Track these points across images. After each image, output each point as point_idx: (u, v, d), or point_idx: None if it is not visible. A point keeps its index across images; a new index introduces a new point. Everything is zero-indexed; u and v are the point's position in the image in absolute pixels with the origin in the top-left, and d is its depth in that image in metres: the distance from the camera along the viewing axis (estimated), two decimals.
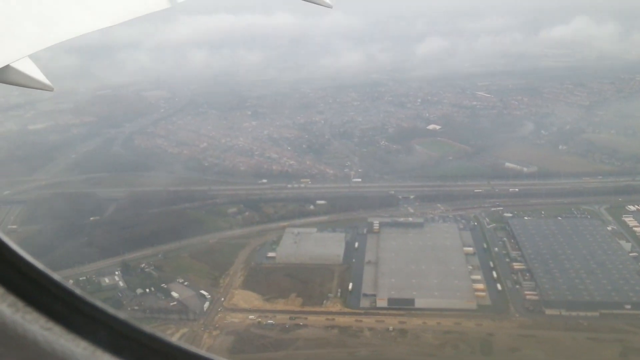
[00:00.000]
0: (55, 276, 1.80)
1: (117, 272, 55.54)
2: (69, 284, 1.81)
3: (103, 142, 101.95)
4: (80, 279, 54.45)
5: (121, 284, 53.71)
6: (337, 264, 55.80)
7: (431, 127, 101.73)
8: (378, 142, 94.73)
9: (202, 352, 1.89)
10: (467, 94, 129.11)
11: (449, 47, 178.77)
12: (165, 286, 53.00)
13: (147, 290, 52.49)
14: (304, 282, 52.69)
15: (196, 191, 75.78)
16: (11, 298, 1.67)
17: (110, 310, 1.79)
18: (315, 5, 7.84)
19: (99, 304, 1.79)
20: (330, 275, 53.89)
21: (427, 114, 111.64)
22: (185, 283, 53.52)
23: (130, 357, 1.73)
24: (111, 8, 5.58)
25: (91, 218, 68.71)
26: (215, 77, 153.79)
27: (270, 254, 57.92)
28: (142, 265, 56.94)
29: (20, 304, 1.66)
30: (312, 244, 58.43)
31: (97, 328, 1.74)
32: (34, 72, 4.81)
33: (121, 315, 1.77)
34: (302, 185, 76.60)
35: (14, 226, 67.54)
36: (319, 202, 70.58)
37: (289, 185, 76.53)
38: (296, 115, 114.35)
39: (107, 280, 54.22)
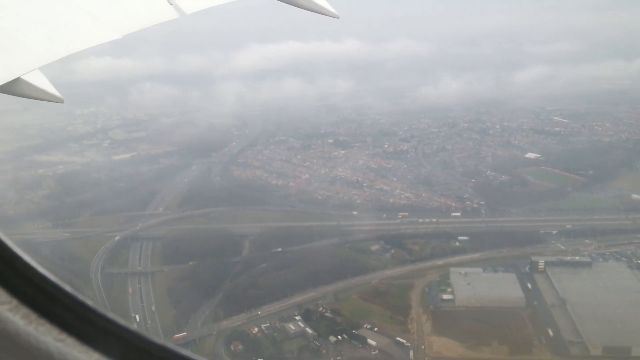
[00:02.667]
0: (68, 288, 1.82)
1: (297, 317, 54.66)
2: (81, 295, 1.84)
3: (200, 174, 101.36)
4: (263, 325, 53.66)
5: (308, 330, 52.78)
6: (520, 306, 54.89)
7: (530, 155, 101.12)
8: (483, 172, 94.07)
9: None
10: (542, 119, 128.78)
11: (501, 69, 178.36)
12: (356, 332, 52.10)
13: (340, 337, 51.53)
14: (496, 327, 51.75)
15: (327, 227, 75.01)
16: (24, 310, 1.69)
17: (122, 322, 1.82)
18: (324, 16, 7.77)
19: (111, 315, 1.81)
20: (520, 319, 52.96)
21: (516, 141, 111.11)
22: (375, 329, 52.58)
23: None
24: (119, 20, 5.62)
25: (234, 257, 67.91)
26: (276, 103, 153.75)
27: (446, 297, 57.05)
28: (320, 309, 56.04)
29: (33, 316, 1.69)
30: (486, 286, 57.56)
31: (109, 339, 1.76)
32: (44, 84, 4.95)
33: (132, 327, 1.80)
34: (433, 220, 75.66)
35: (158, 267, 66.93)
36: (460, 237, 69.79)
37: (420, 220, 75.61)
38: (381, 144, 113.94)
39: (292, 327, 53.29)
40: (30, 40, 4.80)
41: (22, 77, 4.46)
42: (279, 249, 67.15)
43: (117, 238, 73.99)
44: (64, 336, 1.70)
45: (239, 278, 62.49)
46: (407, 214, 77.72)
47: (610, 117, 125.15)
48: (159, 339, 1.80)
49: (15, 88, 4.53)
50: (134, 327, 1.77)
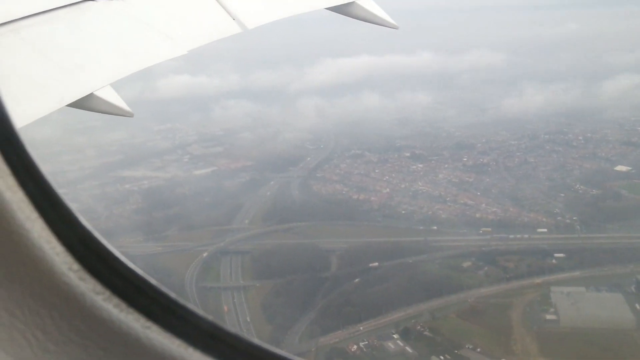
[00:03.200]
0: (153, 280, 1.99)
1: (394, 335, 54.00)
2: (165, 288, 2.01)
3: (280, 188, 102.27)
4: (362, 343, 53.32)
5: (408, 349, 52.04)
6: (631, 328, 52.44)
7: (620, 168, 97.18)
8: (572, 186, 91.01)
9: (288, 354, 2.07)
10: (627, 129, 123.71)
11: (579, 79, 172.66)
12: (458, 352, 50.98)
13: (443, 357, 50.56)
14: (607, 349, 49.55)
15: (414, 242, 74.10)
16: (116, 300, 1.86)
17: (200, 312, 1.97)
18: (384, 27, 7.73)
19: (191, 306, 1.97)
20: (632, 342, 50.56)
21: (602, 154, 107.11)
22: (478, 349, 51.31)
23: (217, 355, 1.90)
24: (184, 36, 5.71)
25: (325, 273, 67.92)
26: (349, 117, 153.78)
27: (549, 317, 55.12)
28: (418, 327, 55.21)
29: (123, 305, 1.86)
30: (591, 306, 55.34)
31: (189, 328, 1.92)
32: (116, 99, 5.10)
33: (209, 317, 1.95)
34: (525, 235, 73.55)
35: (250, 282, 67.69)
36: (557, 255, 67.49)
37: (511, 236, 73.63)
38: (459, 157, 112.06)
39: (391, 345, 52.68)
40: (102, 57, 5.04)
41: (95, 92, 4.64)
42: (376, 264, 66.60)
43: (205, 254, 75.24)
44: (150, 324, 1.86)
45: (332, 294, 62.44)
46: (490, 229, 75.98)
47: None
48: (232, 328, 1.96)
49: (88, 103, 4.71)
50: (209, 317, 1.95)
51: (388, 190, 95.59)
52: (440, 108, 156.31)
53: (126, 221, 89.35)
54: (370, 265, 67.21)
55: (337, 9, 7.59)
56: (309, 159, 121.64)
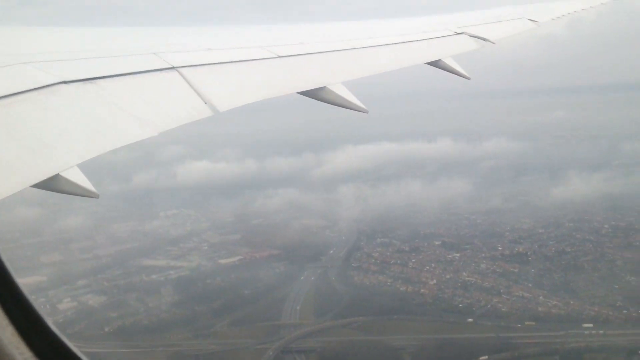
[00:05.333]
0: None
1: None
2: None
3: (318, 280, 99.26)
4: None
5: None
6: None
7: None
8: (622, 277, 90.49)
9: None
10: None
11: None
12: None
13: None
14: None
15: (487, 339, 71.76)
16: None
17: None
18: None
19: None
20: None
21: (637, 242, 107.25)
22: None
23: None
24: (155, 117, 5.84)
25: None
26: (362, 204, 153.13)
27: None
28: None
29: None
30: None
31: None
32: (82, 180, 5.28)
33: None
34: (600, 331, 71.60)
35: None
36: None
37: (586, 332, 71.66)
38: (492, 246, 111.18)
39: None
40: (70, 138, 5.00)
41: (61, 173, 4.72)
42: None
43: (271, 353, 71.06)
44: None
45: None
46: (560, 324, 73.89)
47: None
48: None
49: (53, 184, 4.78)
50: None
51: (435, 281, 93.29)
52: (452, 194, 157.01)
53: (167, 315, 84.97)
54: None
55: (308, 94, 7.75)
56: (334, 248, 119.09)
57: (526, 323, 76.89)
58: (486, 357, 66.29)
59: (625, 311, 77.48)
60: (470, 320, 77.94)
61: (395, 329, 75.78)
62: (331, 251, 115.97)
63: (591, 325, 74.05)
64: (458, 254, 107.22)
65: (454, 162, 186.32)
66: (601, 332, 71.39)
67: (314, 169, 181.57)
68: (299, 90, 7.79)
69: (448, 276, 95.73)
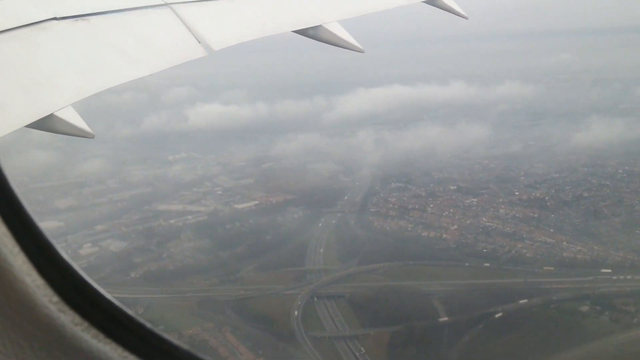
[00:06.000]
0: (130, 312, 2.06)
1: None
2: (141, 318, 2.07)
3: (337, 225, 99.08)
4: None
5: None
6: None
7: None
8: None
9: None
10: None
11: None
12: None
13: None
14: None
15: (515, 284, 71.97)
16: (94, 331, 1.94)
17: (175, 341, 2.05)
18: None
19: (166, 336, 2.05)
20: None
21: None
22: None
23: None
24: (149, 57, 5.76)
25: (440, 319, 64.94)
26: (374, 148, 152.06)
27: None
28: None
29: (101, 336, 1.94)
30: None
31: (165, 358, 2.00)
32: (77, 120, 5.23)
33: (184, 345, 2.02)
34: (628, 277, 72.04)
35: (362, 330, 64.16)
36: None
37: (614, 277, 72.08)
38: (509, 191, 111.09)
39: None
40: (63, 77, 4.90)
41: (55, 113, 4.63)
42: (500, 313, 63.93)
43: (299, 300, 71.33)
44: (127, 354, 1.94)
45: (458, 343, 59.38)
46: (590, 270, 74.39)
47: None
48: (209, 357, 1.98)
49: (48, 124, 4.71)
50: (184, 345, 2.01)
51: (456, 227, 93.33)
52: (462, 139, 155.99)
53: (191, 261, 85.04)
54: (490, 311, 64.27)
55: (303, 32, 7.65)
56: (349, 193, 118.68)
57: (544, 268, 77.22)
58: (526, 300, 66.86)
59: None
60: (494, 266, 77.95)
61: (421, 274, 76.09)
62: (346, 196, 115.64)
63: (610, 270, 74.39)
64: (475, 199, 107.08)
65: (464, 106, 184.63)
66: (629, 277, 71.66)
67: (325, 112, 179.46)
68: (294, 29, 7.65)
69: (468, 221, 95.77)
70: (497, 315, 63.69)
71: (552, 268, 76.74)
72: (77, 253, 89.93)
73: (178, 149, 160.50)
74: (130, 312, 2.01)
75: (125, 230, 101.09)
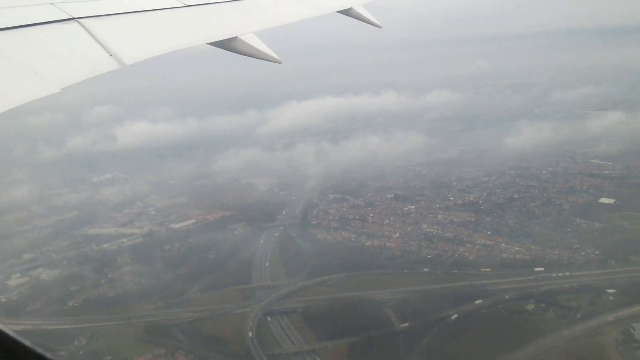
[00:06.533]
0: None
1: None
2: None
3: (280, 239, 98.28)
4: None
5: None
6: None
7: (604, 200, 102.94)
8: (572, 221, 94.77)
9: None
10: (580, 162, 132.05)
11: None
12: None
13: None
14: None
15: (462, 287, 73.57)
16: None
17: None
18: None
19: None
20: None
21: (577, 187, 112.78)
22: None
23: None
24: (57, 73, 5.73)
25: (395, 327, 65.36)
26: (301, 161, 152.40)
27: None
28: None
29: None
30: None
31: None
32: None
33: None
34: (566, 274, 75.16)
35: (319, 344, 63.58)
36: (608, 290, 69.43)
37: (553, 275, 75.08)
38: (444, 196, 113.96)
39: None
40: None
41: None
42: (455, 316, 65.03)
43: (251, 317, 70.02)
44: None
45: (416, 348, 59.96)
46: (534, 269, 77.22)
47: None
48: None
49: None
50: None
51: (398, 234, 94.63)
52: (390, 147, 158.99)
53: (132, 285, 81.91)
54: (444, 315, 65.36)
55: (219, 44, 7.66)
56: (288, 206, 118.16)
57: (482, 270, 79.42)
58: (481, 300, 68.40)
59: (583, 253, 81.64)
60: (440, 270, 79.46)
61: (371, 284, 76.49)
62: (285, 210, 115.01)
63: (542, 269, 77.43)
64: (413, 206, 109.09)
65: (394, 115, 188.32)
66: (567, 274, 74.72)
67: (258, 126, 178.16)
68: (210, 41, 7.55)
69: (409, 229, 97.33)
70: (452, 317, 64.70)
71: (488, 269, 78.92)
72: (5, 285, 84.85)
73: (104, 170, 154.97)
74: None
75: (55, 257, 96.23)
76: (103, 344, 63.66)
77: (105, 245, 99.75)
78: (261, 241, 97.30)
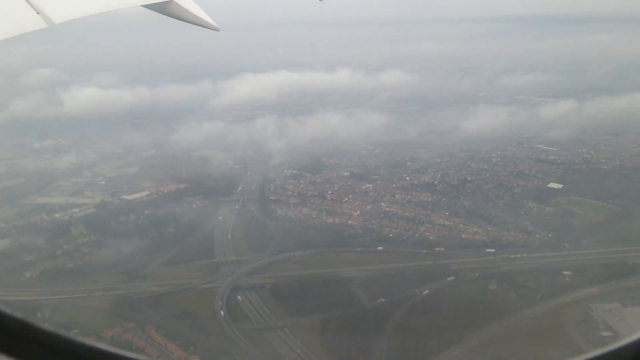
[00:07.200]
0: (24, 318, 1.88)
1: None
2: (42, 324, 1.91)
3: (239, 214, 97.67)
4: None
5: None
6: None
7: (553, 185, 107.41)
8: (525, 204, 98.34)
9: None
10: (526, 147, 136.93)
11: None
12: None
13: None
14: None
15: (425, 267, 75.42)
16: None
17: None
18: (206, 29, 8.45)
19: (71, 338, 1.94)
20: None
21: (526, 171, 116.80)
22: None
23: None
24: None
25: (364, 305, 66.50)
26: (258, 136, 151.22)
27: (605, 334, 59.50)
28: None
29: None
30: (635, 320, 60.86)
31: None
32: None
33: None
34: (524, 255, 78.25)
35: (290, 320, 63.97)
36: (564, 272, 72.89)
37: (512, 256, 78.03)
38: (399, 176, 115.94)
39: None
40: None
41: None
42: (426, 292, 66.79)
43: (219, 292, 69.62)
44: None
45: (386, 327, 61.30)
46: (494, 250, 80.00)
47: (587, 145, 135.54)
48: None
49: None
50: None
51: (358, 212, 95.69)
52: (344, 125, 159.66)
53: (91, 257, 79.71)
54: (409, 293, 67.00)
55: (154, 7, 7.56)
56: (243, 180, 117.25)
57: (436, 249, 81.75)
58: (453, 277, 70.49)
59: (537, 235, 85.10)
60: (403, 249, 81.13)
61: (336, 261, 77.29)
62: (241, 184, 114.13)
63: (494, 250, 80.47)
64: (370, 185, 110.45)
65: (348, 93, 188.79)
66: (524, 255, 77.89)
67: (212, 98, 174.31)
68: (144, 3, 7.32)
69: (369, 207, 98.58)
70: (423, 293, 66.48)
71: (443, 249, 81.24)
72: None
73: (46, 136, 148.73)
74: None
75: (4, 226, 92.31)
76: (68, 316, 61.81)
77: (57, 215, 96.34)
78: (220, 216, 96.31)
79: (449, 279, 71.56)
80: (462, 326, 60.61)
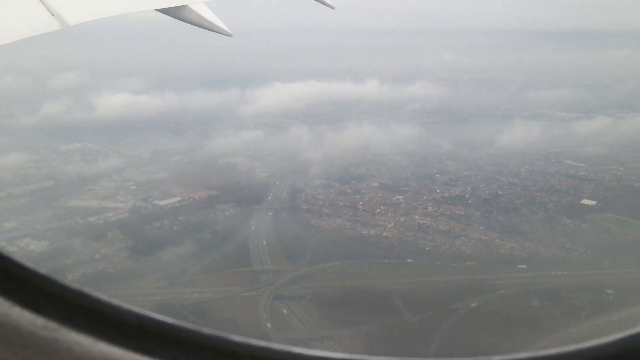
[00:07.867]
0: (48, 274, 1.88)
1: None
2: (63, 281, 1.88)
3: (272, 222, 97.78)
4: None
5: None
6: None
7: (586, 202, 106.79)
8: (559, 220, 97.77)
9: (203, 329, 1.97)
10: (553, 162, 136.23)
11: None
12: None
13: None
14: None
15: (466, 280, 75.16)
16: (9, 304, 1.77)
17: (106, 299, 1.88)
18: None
19: (91, 294, 1.90)
20: None
21: (558, 186, 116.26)
22: None
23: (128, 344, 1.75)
24: None
25: (408, 317, 66.31)
26: (283, 144, 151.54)
27: None
28: None
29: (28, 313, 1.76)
30: None
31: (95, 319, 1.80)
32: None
33: (118, 303, 1.88)
34: (565, 272, 77.82)
35: (334, 331, 63.84)
36: (607, 291, 72.37)
37: (552, 273, 77.63)
38: (430, 188, 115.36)
39: None
40: None
41: None
42: (474, 304, 66.56)
43: (262, 301, 69.65)
44: (50, 324, 1.80)
45: (433, 338, 61.10)
46: (526, 265, 79.65)
47: (616, 161, 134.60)
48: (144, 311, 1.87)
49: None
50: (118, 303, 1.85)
51: (392, 224, 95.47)
52: (370, 135, 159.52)
53: (131, 262, 79.97)
54: (452, 308, 66.76)
55: (167, 12, 7.66)
56: (273, 188, 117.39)
57: (467, 263, 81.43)
58: (502, 291, 70.29)
59: (575, 252, 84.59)
60: (440, 263, 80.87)
61: (374, 273, 77.16)
62: (271, 192, 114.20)
63: (530, 266, 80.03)
64: (401, 197, 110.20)
65: (375, 104, 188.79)
66: (565, 272, 77.41)
67: (241, 105, 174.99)
68: (158, 8, 7.45)
69: (402, 219, 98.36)
70: (467, 308, 66.17)
71: (474, 263, 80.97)
72: None
73: (72, 139, 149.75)
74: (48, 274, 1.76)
75: (39, 228, 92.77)
76: None
77: (91, 219, 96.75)
78: (253, 225, 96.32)
79: (489, 295, 71.12)
80: (511, 342, 60.18)
